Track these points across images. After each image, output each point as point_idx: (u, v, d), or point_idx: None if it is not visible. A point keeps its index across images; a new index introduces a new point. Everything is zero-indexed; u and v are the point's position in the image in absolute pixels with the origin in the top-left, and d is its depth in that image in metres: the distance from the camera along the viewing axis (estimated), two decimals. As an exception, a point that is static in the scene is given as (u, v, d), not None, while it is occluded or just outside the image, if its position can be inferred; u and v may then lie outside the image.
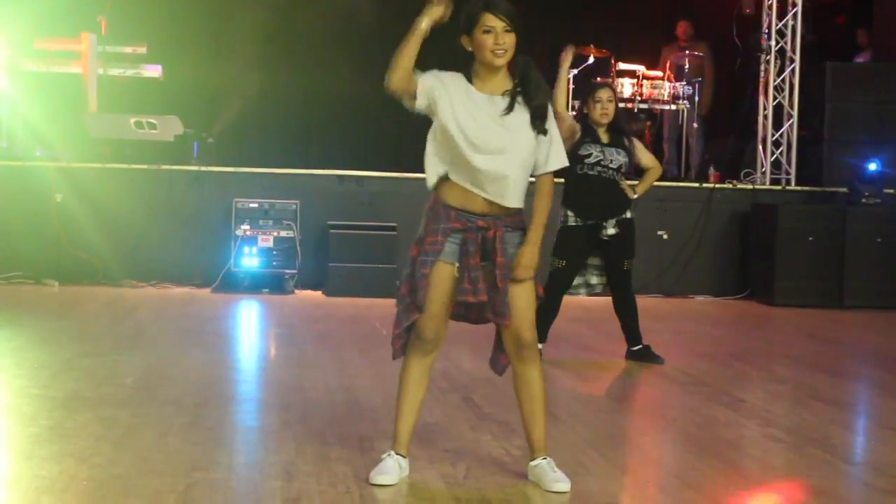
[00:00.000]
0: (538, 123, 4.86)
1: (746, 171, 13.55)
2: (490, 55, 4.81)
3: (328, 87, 15.02)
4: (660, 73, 14.57)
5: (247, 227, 11.73)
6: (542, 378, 5.03)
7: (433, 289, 4.90)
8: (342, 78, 15.05)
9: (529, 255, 4.92)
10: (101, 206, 11.87)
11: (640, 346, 8.35)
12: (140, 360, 7.69)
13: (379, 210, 12.29)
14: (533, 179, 4.97)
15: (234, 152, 13.55)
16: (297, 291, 11.83)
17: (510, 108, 4.83)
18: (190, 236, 12.02)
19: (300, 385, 7.05)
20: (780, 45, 13.54)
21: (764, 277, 12.42)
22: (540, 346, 7.98)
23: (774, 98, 13.55)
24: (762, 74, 13.61)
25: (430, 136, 4.93)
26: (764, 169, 13.52)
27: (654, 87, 14.34)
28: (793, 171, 13.50)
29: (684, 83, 14.35)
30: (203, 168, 12.19)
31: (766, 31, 13.53)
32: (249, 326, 10.33)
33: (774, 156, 13.56)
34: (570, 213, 8.16)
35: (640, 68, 14.41)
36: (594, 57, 14.07)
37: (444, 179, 4.90)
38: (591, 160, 8.10)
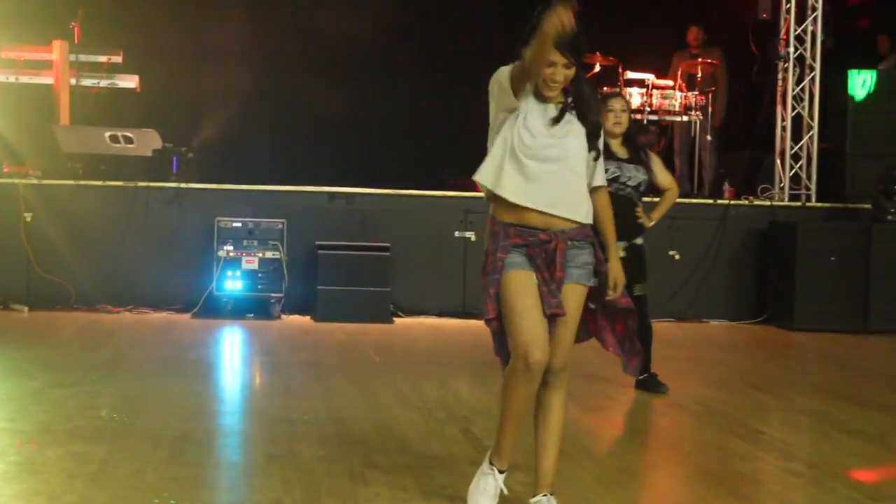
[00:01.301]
0: (593, 142, 5.00)
1: (763, 186, 13.56)
2: (543, 85, 4.91)
3: (316, 99, 15.05)
4: (670, 82, 14.60)
5: (230, 247, 11.72)
6: (564, 409, 5.06)
7: (519, 297, 4.87)
8: (331, 88, 15.08)
9: (620, 272, 5.08)
10: (73, 225, 11.87)
11: (646, 375, 8.35)
12: (116, 391, 7.66)
13: (371, 229, 12.29)
14: None
15: (216, 168, 13.54)
16: (283, 316, 11.81)
17: (558, 119, 4.93)
18: (169, 258, 12.01)
19: (287, 417, 7.03)
20: (798, 51, 13.57)
21: (783, 300, 12.41)
22: None
23: (793, 108, 13.57)
24: (780, 83, 13.63)
25: (493, 141, 4.98)
26: (782, 184, 13.53)
27: (664, 97, 14.37)
28: (813, 186, 13.51)
29: (696, 93, 14.39)
30: (183, 185, 12.19)
31: (784, 36, 13.56)
32: (233, 354, 10.30)
33: (793, 170, 13.57)
34: None
35: (650, 77, 14.44)
36: (600, 65, 14.11)
37: (497, 197, 4.95)
38: (608, 176, 8.07)
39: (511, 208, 4.93)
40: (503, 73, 4.90)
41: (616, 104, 8.20)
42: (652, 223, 8.29)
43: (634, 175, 8.11)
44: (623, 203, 8.09)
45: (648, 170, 8.21)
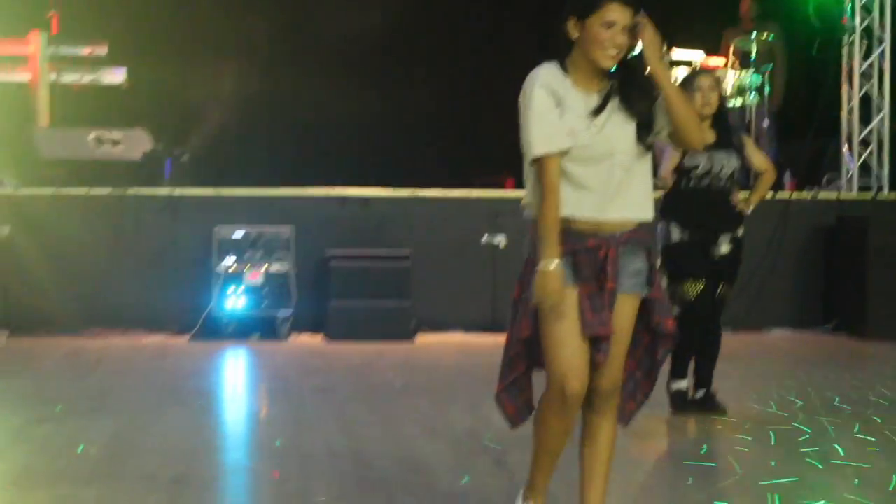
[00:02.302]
0: (643, 134, 4.86)
1: (829, 176, 13.50)
2: (601, 55, 4.78)
3: (325, 93, 15.03)
4: (722, 61, 14.54)
5: (231, 260, 11.73)
6: (613, 436, 5.03)
7: (559, 319, 4.80)
8: (342, 82, 15.06)
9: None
10: (55, 240, 11.89)
11: (704, 392, 8.30)
12: (106, 426, 7.67)
13: (389, 236, 12.28)
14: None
15: (213, 171, 13.55)
16: (292, 337, 11.81)
17: (600, 109, 4.82)
18: (163, 274, 12.03)
19: (299, 451, 7.02)
20: (865, 22, 13.51)
21: (853, 305, 12.35)
22: (679, 385, 8.15)
23: (861, 87, 13.51)
24: (845, 59, 13.56)
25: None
26: (850, 174, 13.47)
27: (715, 79, 14.30)
28: (885, 175, 13.45)
29: (752, 72, 14.33)
30: (177, 191, 12.21)
31: (850, 6, 13.49)
32: (236, 380, 10.31)
33: (862, 157, 13.51)
34: (673, 226, 8.13)
35: (699, 55, 14.39)
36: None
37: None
38: (700, 171, 8.06)
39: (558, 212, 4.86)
40: (533, 137, 4.78)
41: (704, 82, 8.17)
42: (751, 209, 8.29)
43: (727, 163, 8.13)
44: (720, 196, 8.14)
45: (741, 154, 8.22)
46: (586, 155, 4.79)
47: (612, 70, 4.84)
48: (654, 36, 4.74)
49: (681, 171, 8.06)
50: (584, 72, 4.85)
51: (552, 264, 4.71)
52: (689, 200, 8.11)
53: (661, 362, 5.04)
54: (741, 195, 8.30)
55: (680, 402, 8.24)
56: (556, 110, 4.78)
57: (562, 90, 4.82)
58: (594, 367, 4.87)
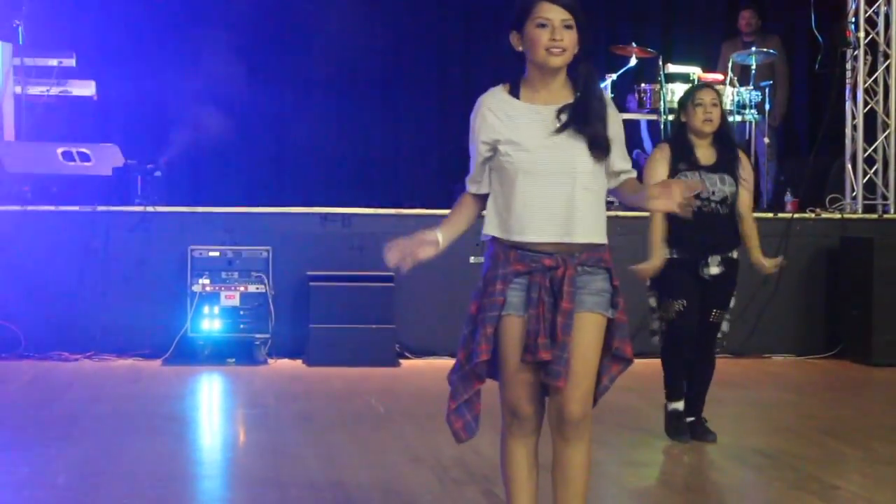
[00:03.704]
0: (596, 152, 4.92)
1: (832, 196, 13.53)
2: (544, 54, 4.87)
3: (306, 106, 15.04)
4: (720, 77, 14.59)
5: (206, 281, 11.72)
6: (587, 466, 5.03)
7: (514, 351, 4.93)
8: (324, 96, 15.07)
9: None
10: (21, 259, 11.85)
11: (692, 420, 8.29)
12: (75, 454, 7.67)
13: (372, 256, 12.26)
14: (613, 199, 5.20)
15: (188, 188, 13.53)
16: (270, 361, 11.80)
17: (563, 128, 4.89)
18: (135, 295, 11.99)
19: (278, 480, 7.03)
20: (870, 36, 13.56)
21: (858, 330, 12.36)
22: (676, 406, 8.18)
23: (866, 104, 13.54)
24: (849, 74, 13.61)
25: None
26: (855, 193, 13.50)
27: (713, 94, 14.33)
28: (891, 194, 13.48)
29: (751, 88, 14.38)
30: (150, 208, 12.18)
31: (853, 19, 13.55)
32: (212, 407, 10.30)
33: (867, 176, 13.54)
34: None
35: (695, 71, 14.43)
36: (637, 58, 14.11)
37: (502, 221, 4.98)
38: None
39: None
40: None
41: (706, 97, 8.13)
42: (772, 266, 8.33)
43: (719, 188, 8.05)
44: (710, 219, 8.04)
45: (737, 180, 8.13)
46: (546, 170, 4.86)
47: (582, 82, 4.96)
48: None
49: None
50: (538, 86, 4.95)
51: (434, 233, 5.12)
52: (676, 221, 8.05)
53: (608, 386, 5.08)
54: (769, 263, 8.32)
55: (675, 423, 8.24)
56: (490, 154, 4.95)
57: (507, 116, 4.92)
58: (554, 392, 4.93)
